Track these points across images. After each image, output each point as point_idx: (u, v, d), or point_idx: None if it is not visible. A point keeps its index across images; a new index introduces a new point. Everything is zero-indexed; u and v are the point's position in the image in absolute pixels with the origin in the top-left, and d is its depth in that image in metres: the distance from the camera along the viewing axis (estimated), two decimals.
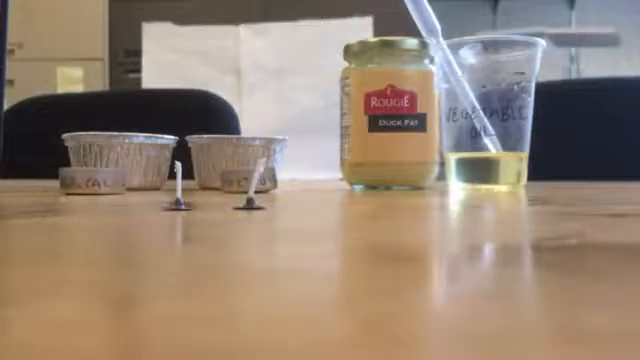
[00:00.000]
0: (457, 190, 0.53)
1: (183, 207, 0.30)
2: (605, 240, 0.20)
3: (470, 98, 0.52)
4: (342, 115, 0.61)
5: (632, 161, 0.97)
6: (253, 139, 0.60)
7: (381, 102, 0.57)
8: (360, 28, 2.12)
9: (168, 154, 0.60)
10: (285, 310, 0.10)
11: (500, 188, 0.53)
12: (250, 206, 0.31)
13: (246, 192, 0.31)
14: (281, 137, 0.62)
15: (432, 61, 0.58)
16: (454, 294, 0.12)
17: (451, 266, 0.16)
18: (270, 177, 0.50)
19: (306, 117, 2.12)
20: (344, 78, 0.61)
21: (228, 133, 0.88)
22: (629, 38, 2.52)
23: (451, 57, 0.53)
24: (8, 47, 0.52)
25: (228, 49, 2.28)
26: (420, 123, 0.58)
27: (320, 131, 1.74)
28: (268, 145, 0.60)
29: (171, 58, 2.29)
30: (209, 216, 0.29)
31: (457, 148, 0.54)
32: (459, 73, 0.53)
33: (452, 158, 0.55)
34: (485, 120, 0.52)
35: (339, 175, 0.65)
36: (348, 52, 0.61)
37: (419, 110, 0.57)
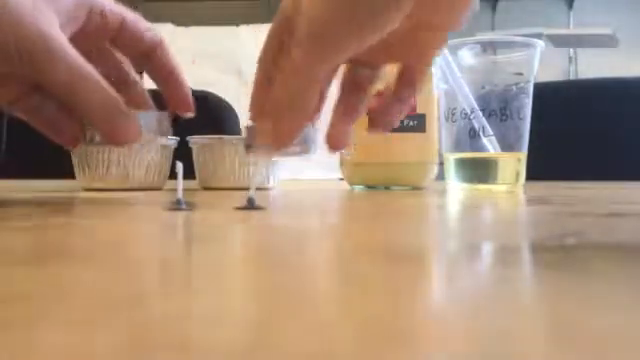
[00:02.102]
0: (456, 190, 0.54)
1: (184, 207, 0.30)
2: (605, 240, 0.20)
3: (469, 99, 0.52)
4: None
5: (632, 161, 0.97)
6: None
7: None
8: None
9: (169, 154, 0.60)
10: (285, 309, 0.10)
11: (499, 188, 0.53)
12: (251, 206, 0.31)
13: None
14: None
15: None
16: (453, 294, 0.12)
17: (450, 266, 0.16)
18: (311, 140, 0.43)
19: None
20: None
21: (229, 133, 0.88)
22: (627, 39, 2.51)
23: (450, 58, 0.53)
24: None
25: (229, 50, 2.28)
26: (419, 123, 0.58)
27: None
28: None
29: None
30: (210, 216, 0.30)
31: (456, 148, 0.54)
32: (458, 74, 0.53)
33: (451, 158, 0.55)
34: (484, 120, 0.52)
35: (339, 175, 0.65)
36: None
37: (418, 110, 0.58)
